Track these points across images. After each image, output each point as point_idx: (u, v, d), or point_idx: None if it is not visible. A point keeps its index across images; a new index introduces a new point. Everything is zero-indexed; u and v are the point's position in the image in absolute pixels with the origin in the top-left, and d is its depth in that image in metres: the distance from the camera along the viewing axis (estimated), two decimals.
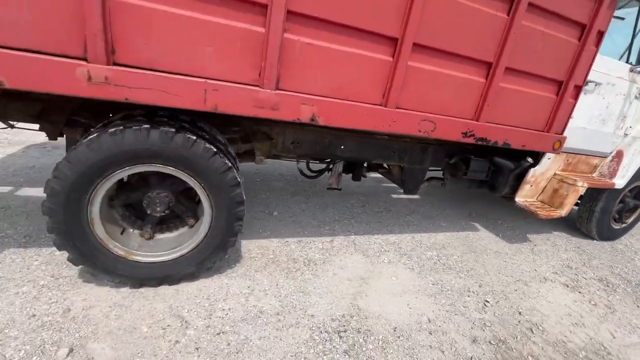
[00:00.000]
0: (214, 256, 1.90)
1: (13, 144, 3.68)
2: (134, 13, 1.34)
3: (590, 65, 2.34)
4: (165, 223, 1.96)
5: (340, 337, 1.71)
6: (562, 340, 1.98)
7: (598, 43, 2.29)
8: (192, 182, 1.72)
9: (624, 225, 3.64)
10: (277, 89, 1.63)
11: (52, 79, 1.31)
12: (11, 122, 2.07)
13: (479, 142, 2.24)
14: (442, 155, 2.83)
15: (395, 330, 1.82)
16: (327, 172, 2.78)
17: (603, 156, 3.17)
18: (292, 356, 1.56)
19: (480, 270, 2.58)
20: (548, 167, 2.95)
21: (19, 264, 1.84)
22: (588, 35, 2.20)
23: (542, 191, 3.10)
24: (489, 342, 1.86)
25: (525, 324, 2.06)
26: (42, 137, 2.87)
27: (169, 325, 1.61)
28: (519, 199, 2.99)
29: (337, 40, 1.67)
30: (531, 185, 2.99)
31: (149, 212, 1.81)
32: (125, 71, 1.38)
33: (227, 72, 1.54)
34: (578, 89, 2.40)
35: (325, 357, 1.59)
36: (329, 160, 2.70)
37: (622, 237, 3.73)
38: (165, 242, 1.91)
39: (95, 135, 1.50)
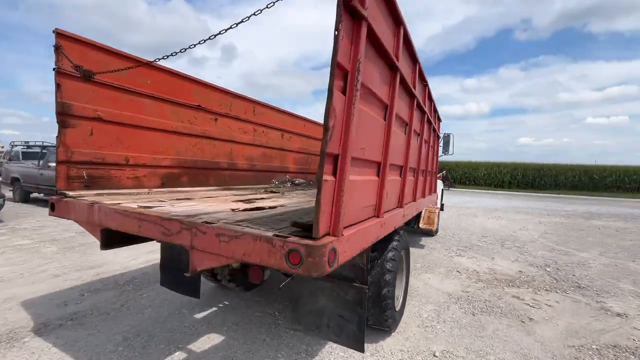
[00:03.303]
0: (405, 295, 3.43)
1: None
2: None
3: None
4: None
5: None
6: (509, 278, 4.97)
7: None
8: (405, 256, 3.29)
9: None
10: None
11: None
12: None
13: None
14: None
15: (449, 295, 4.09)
16: None
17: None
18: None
19: (447, 260, 5.29)
20: (427, 209, 6.27)
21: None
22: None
23: (423, 219, 6.36)
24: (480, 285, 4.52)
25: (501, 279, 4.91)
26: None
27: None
28: (421, 225, 6.08)
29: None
30: (422, 218, 6.17)
31: None
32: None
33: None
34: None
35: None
36: None
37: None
38: None
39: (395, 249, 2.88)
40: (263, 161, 4.94)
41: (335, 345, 2.75)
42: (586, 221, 10.50)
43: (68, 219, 2.33)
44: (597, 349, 2.86)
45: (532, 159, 35.27)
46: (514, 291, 4.18)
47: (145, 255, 5.06)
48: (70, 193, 2.44)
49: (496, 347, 2.83)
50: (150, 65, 3.10)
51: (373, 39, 1.64)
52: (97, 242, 2.18)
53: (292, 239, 1.39)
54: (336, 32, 1.31)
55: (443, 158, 7.46)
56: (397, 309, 3.08)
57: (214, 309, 3.39)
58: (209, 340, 2.78)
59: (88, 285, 3.87)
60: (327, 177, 1.40)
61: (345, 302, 2.29)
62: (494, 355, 2.71)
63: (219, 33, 2.03)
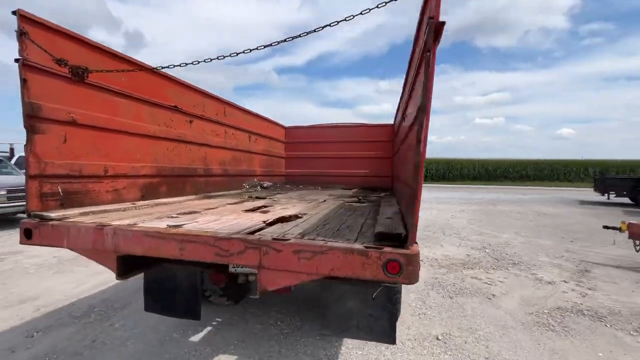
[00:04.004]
0: None
1: None
2: None
3: None
4: None
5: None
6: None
7: None
8: None
9: None
10: None
11: None
12: None
13: None
14: None
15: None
16: None
17: None
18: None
19: None
20: None
21: None
22: None
23: None
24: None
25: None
26: None
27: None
28: None
29: None
30: None
31: None
32: None
33: None
34: None
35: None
36: None
37: None
38: None
39: None
40: (234, 165, 4.67)
41: (352, 345, 2.83)
42: (495, 207, 12.58)
43: (55, 247, 1.91)
44: (548, 312, 3.54)
45: (437, 155, 40.55)
46: (471, 273, 4.83)
47: (92, 278, 4.33)
48: (52, 215, 1.99)
49: (480, 323, 3.28)
50: (123, 59, 2.70)
51: None
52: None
53: (389, 249, 1.43)
54: (429, 53, 1.39)
55: None
56: None
57: (209, 328, 3.12)
58: None
59: (32, 324, 3.16)
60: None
61: (377, 303, 2.39)
62: (481, 330, 3.14)
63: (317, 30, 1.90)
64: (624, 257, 5.57)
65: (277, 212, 2.63)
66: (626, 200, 13.72)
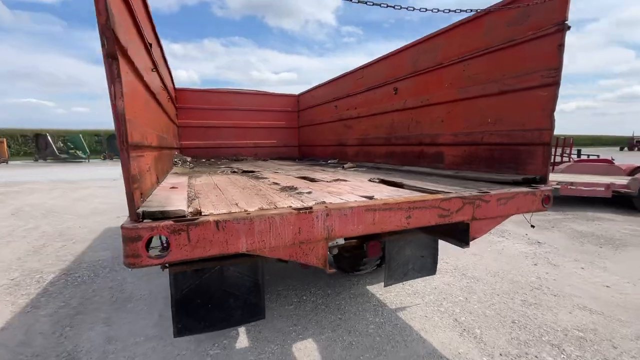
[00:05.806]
0: None
1: None
2: None
3: None
4: None
5: None
6: None
7: None
8: None
9: None
10: None
11: None
12: None
13: None
14: None
15: None
16: None
17: None
18: None
19: None
20: None
21: None
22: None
23: None
24: None
25: None
26: None
27: None
28: None
29: None
30: None
31: None
32: None
33: None
34: None
35: None
36: None
37: None
38: None
39: None
40: (167, 132, 3.58)
41: (384, 290, 3.22)
42: None
43: (218, 254, 1.22)
44: None
45: None
46: None
47: None
48: (187, 210, 1.20)
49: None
50: None
51: None
52: None
53: (543, 187, 1.99)
54: (562, 47, 1.98)
55: None
56: None
57: (240, 329, 2.61)
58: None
59: None
60: None
61: (427, 245, 2.90)
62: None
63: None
64: None
65: (350, 178, 2.56)
66: None
